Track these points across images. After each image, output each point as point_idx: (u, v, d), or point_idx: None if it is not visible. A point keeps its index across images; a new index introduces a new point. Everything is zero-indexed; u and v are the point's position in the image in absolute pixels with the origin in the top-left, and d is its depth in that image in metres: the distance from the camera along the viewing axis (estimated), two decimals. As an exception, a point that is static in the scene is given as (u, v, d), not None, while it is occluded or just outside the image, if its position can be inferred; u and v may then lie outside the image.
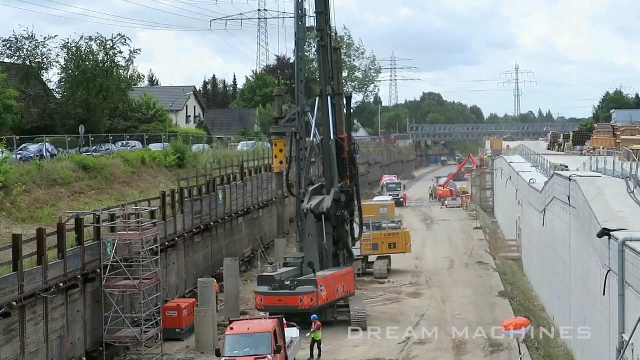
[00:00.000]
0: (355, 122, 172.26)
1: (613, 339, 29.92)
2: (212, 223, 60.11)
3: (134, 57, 75.75)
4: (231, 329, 38.69)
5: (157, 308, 44.36)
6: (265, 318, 42.91)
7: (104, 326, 41.25)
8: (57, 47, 73.43)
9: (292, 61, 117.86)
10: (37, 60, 72.85)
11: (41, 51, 72.62)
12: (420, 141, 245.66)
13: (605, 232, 31.29)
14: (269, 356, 37.00)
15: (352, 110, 60.77)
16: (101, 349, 41.09)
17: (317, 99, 55.77)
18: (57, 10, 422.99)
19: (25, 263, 34.76)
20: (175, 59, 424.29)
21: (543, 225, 54.58)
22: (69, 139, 61.55)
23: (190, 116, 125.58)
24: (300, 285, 48.34)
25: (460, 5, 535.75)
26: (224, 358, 37.28)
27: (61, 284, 37.10)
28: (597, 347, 34.64)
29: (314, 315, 44.02)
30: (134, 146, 71.51)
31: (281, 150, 68.06)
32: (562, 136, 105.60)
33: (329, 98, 54.08)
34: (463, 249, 79.95)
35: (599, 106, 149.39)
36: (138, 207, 46.31)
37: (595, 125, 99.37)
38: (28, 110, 72.65)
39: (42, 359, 35.89)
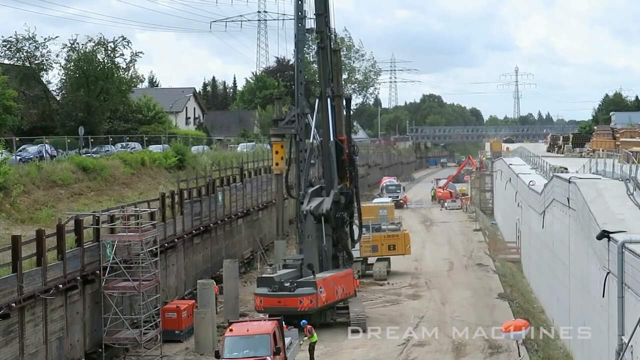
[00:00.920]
0: (355, 123, 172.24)
1: (612, 341, 29.91)
2: (211, 224, 60.11)
3: (136, 60, 75.80)
4: (230, 330, 38.66)
5: (157, 309, 44.34)
6: (265, 320, 42.92)
7: (103, 327, 41.24)
8: (58, 48, 73.63)
9: (291, 63, 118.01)
10: (36, 61, 72.83)
11: (41, 52, 72.66)
12: (420, 143, 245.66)
13: (604, 234, 31.30)
14: (268, 358, 36.96)
15: (351, 112, 60.75)
16: (100, 350, 41.08)
17: (317, 100, 55.80)
18: (54, 10, 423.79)
19: (24, 264, 34.75)
20: (173, 61, 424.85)
21: (542, 227, 54.59)
22: (69, 140, 61.54)
23: (189, 117, 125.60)
24: (299, 287, 48.34)
25: (458, 8, 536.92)
26: None
27: (60, 285, 37.10)
28: (597, 349, 34.64)
29: (304, 321, 43.84)
30: (134, 147, 71.49)
31: (276, 152, 67.90)
32: (561, 138, 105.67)
33: (328, 100, 54.12)
34: (462, 250, 79.96)
35: (598, 108, 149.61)
36: (137, 209, 46.32)
37: (595, 128, 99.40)
38: (27, 111, 72.67)
39: (41, 360, 35.92)
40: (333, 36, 56.36)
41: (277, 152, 67.96)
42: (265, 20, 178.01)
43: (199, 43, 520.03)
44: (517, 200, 72.24)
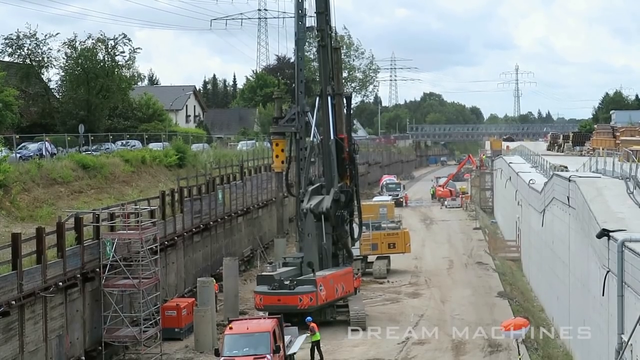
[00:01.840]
0: (355, 122, 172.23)
1: (612, 340, 29.92)
2: (211, 222, 60.13)
3: (134, 56, 75.86)
4: (230, 328, 38.70)
5: (156, 307, 44.37)
6: (265, 318, 42.94)
7: (103, 325, 41.26)
8: (59, 46, 73.63)
9: (292, 61, 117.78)
10: (37, 58, 72.86)
11: (42, 50, 72.69)
12: (420, 141, 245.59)
13: (604, 233, 31.30)
14: (268, 356, 37.00)
15: (352, 111, 60.76)
16: (100, 348, 41.09)
17: (317, 98, 55.77)
18: (54, 9, 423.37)
19: (24, 262, 34.77)
20: (173, 59, 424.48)
21: (542, 225, 54.59)
22: (69, 138, 61.58)
23: (190, 115, 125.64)
24: (299, 285, 48.34)
25: (457, 7, 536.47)
26: (223, 358, 37.30)
27: (60, 283, 37.11)
28: (596, 348, 34.65)
29: (309, 318, 43.89)
30: (134, 145, 71.54)
31: (282, 150, 67.71)
32: (561, 137, 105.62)
33: (329, 98, 54.10)
34: (462, 249, 79.98)
35: (598, 107, 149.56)
36: (137, 207, 46.33)
37: (595, 126, 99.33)
38: (28, 109, 72.71)
39: (41, 358, 35.90)
40: (333, 34, 56.29)
41: (282, 150, 67.43)
42: (266, 18, 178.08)
43: (199, 41, 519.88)
44: (517, 198, 72.24)
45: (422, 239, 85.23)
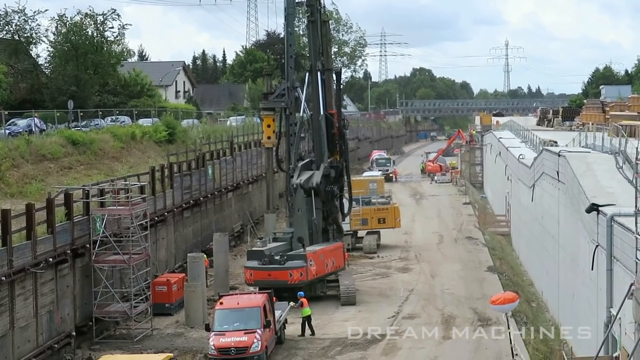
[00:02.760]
0: (345, 97, 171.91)
1: (601, 314, 30.11)
2: (201, 198, 60.11)
3: (124, 32, 75.55)
4: (221, 303, 38.84)
5: (147, 283, 44.41)
6: (255, 293, 43.08)
7: (93, 301, 41.31)
8: (48, 22, 73.39)
9: (281, 36, 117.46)
10: (25, 34, 72.48)
11: (30, 25, 72.30)
12: (410, 116, 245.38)
13: (593, 208, 31.47)
14: (258, 330, 37.19)
15: (341, 86, 60.67)
16: (91, 323, 41.16)
17: (307, 74, 55.66)
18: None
19: (14, 238, 34.75)
20: (161, 35, 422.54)
21: (532, 200, 54.76)
22: (58, 114, 61.32)
23: (179, 91, 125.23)
24: (289, 260, 48.40)
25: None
26: (214, 333, 37.48)
27: (50, 259, 37.12)
28: (585, 321, 34.83)
29: (300, 292, 44.04)
30: (123, 121, 71.29)
31: (268, 126, 67.53)
32: (551, 112, 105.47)
33: (318, 73, 54.03)
34: (452, 224, 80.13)
35: (588, 82, 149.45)
36: (127, 182, 46.22)
37: (585, 101, 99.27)
38: (16, 85, 72.34)
39: (32, 334, 35.96)
40: (322, 10, 56.09)
41: (268, 126, 67.39)
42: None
43: (186, 17, 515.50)
44: (507, 173, 72.38)
45: (412, 214, 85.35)
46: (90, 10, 73.70)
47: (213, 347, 36.96)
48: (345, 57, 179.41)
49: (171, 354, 35.59)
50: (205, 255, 51.81)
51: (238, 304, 39.07)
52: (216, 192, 64.30)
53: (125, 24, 75.64)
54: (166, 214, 52.40)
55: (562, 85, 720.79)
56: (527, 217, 59.10)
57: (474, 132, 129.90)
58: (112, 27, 74.41)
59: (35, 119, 57.98)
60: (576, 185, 36.75)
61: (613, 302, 28.40)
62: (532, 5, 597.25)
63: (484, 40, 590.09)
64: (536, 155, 54.40)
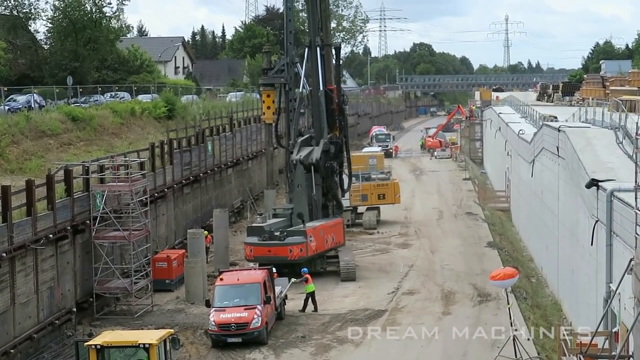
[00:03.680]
0: (344, 73, 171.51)
1: (600, 289, 30.17)
2: (201, 174, 60.08)
3: (122, 8, 75.38)
4: (221, 279, 38.93)
5: (147, 259, 44.44)
6: (255, 269, 43.16)
7: (93, 277, 41.35)
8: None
9: (281, 11, 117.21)
10: (24, 10, 72.28)
11: (29, 1, 72.09)
12: (410, 92, 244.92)
13: (593, 183, 31.48)
14: (258, 306, 37.28)
15: (341, 61, 60.55)
16: (91, 299, 41.23)
17: (306, 49, 55.53)
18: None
19: (14, 214, 34.76)
20: (159, 10, 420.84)
21: (532, 176, 54.76)
22: (57, 90, 61.28)
23: (178, 67, 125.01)
24: (289, 236, 48.44)
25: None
26: (214, 309, 37.58)
27: (51, 235, 37.13)
28: (584, 297, 34.92)
29: (304, 269, 44.11)
30: (123, 97, 71.23)
31: (269, 103, 67.30)
32: (551, 87, 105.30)
33: (317, 49, 53.91)
34: (452, 199, 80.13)
35: (588, 57, 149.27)
36: (127, 159, 46.21)
37: (585, 76, 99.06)
38: (15, 61, 72.22)
39: (33, 310, 36.04)
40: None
41: (269, 103, 67.21)
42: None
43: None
44: (507, 149, 72.34)
45: (412, 190, 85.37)
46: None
47: (213, 323, 37.06)
48: (344, 32, 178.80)
49: (172, 330, 35.62)
50: (207, 232, 51.88)
51: (238, 280, 39.16)
52: (216, 168, 64.27)
53: (123, 0, 75.54)
54: (166, 190, 52.38)
55: (562, 60, 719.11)
56: (526, 192, 59.13)
57: (473, 107, 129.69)
58: (110, 3, 74.33)
59: (34, 95, 57.92)
60: (576, 160, 36.74)
61: (612, 278, 28.46)
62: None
63: (484, 14, 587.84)
64: (536, 131, 54.35)
